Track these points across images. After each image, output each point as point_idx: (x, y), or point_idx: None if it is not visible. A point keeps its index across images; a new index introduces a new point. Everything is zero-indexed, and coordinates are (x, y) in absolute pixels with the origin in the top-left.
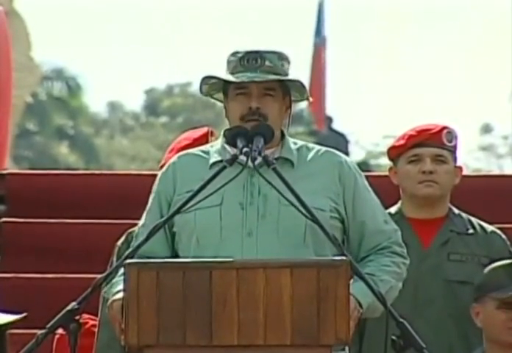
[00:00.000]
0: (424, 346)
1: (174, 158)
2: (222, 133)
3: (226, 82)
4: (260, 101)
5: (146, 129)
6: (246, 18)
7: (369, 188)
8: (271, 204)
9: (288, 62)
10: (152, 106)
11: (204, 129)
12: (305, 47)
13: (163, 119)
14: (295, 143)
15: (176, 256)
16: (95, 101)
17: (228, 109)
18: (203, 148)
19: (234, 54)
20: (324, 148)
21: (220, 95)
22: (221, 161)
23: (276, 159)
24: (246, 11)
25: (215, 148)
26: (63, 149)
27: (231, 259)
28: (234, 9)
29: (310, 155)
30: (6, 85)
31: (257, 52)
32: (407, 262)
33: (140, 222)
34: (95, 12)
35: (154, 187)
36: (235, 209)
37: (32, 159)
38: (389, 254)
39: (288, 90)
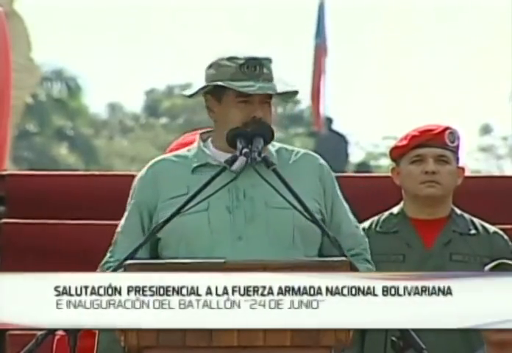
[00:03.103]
0: (423, 347)
1: (151, 164)
2: (199, 136)
3: (221, 87)
4: (262, 110)
5: (146, 130)
6: (246, 18)
7: (342, 194)
8: (258, 206)
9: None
10: (152, 107)
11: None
12: (306, 48)
13: (163, 120)
14: (273, 145)
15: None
16: (95, 102)
17: (222, 114)
18: (179, 152)
19: (231, 59)
20: (302, 150)
21: (199, 94)
22: (203, 165)
23: (232, 162)
24: (246, 11)
25: (193, 152)
26: (63, 150)
27: (232, 260)
28: (234, 9)
29: (290, 157)
30: (6, 86)
31: (256, 59)
32: (374, 269)
33: (119, 228)
34: (95, 13)
35: (133, 194)
36: (223, 214)
37: (31, 160)
38: (362, 261)
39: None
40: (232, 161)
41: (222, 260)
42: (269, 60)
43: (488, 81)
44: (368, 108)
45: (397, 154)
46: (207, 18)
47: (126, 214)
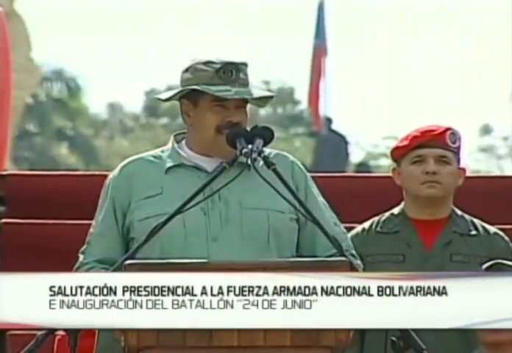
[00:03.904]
0: (423, 347)
1: (124, 163)
2: (172, 138)
3: (198, 91)
4: (238, 115)
5: (146, 130)
6: (246, 18)
7: (317, 191)
8: (233, 208)
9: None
10: (152, 107)
11: None
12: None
13: (163, 120)
14: None
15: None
16: (95, 102)
17: (197, 117)
18: (153, 153)
19: (207, 63)
20: (274, 151)
21: (175, 98)
22: (177, 165)
23: (232, 162)
24: (246, 12)
25: (167, 153)
26: (63, 150)
27: (234, 260)
28: (234, 9)
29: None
30: (6, 86)
31: (233, 64)
32: (361, 265)
33: (93, 229)
34: (95, 13)
35: (106, 195)
36: (198, 215)
37: (31, 160)
38: (350, 257)
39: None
40: (232, 161)
41: (224, 260)
42: (245, 65)
43: (488, 82)
44: (368, 108)
45: (398, 154)
46: (207, 17)
47: (99, 214)
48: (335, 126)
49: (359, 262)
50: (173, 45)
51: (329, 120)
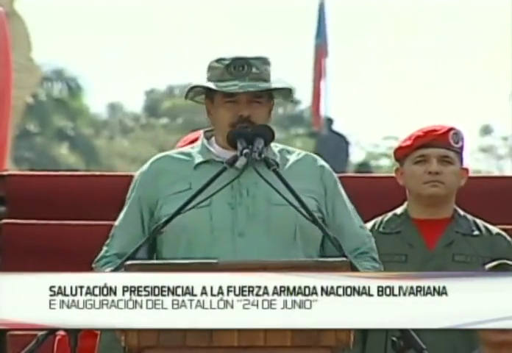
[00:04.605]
0: (424, 347)
1: (153, 159)
2: (202, 134)
3: (213, 90)
4: (249, 109)
5: (147, 130)
6: (247, 19)
7: (346, 195)
8: (260, 203)
9: (270, 65)
10: (152, 107)
11: (200, 132)
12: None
13: (164, 120)
14: (276, 146)
15: (156, 256)
16: (95, 102)
17: (215, 114)
18: (183, 150)
19: (219, 60)
20: (303, 152)
21: (201, 97)
22: (206, 161)
23: (233, 162)
24: (247, 12)
25: (197, 149)
26: (63, 150)
27: (236, 261)
28: (235, 9)
29: (291, 157)
30: (6, 86)
31: (243, 59)
32: (382, 268)
33: (117, 222)
34: (95, 13)
35: (134, 189)
36: (225, 210)
37: (32, 160)
38: (369, 259)
39: (272, 94)
40: (232, 161)
41: (226, 260)
42: (259, 59)
43: (488, 82)
44: (369, 108)
45: (401, 154)
46: (208, 18)
47: (125, 208)
48: (335, 127)
49: (377, 264)
50: (173, 46)
51: (329, 121)
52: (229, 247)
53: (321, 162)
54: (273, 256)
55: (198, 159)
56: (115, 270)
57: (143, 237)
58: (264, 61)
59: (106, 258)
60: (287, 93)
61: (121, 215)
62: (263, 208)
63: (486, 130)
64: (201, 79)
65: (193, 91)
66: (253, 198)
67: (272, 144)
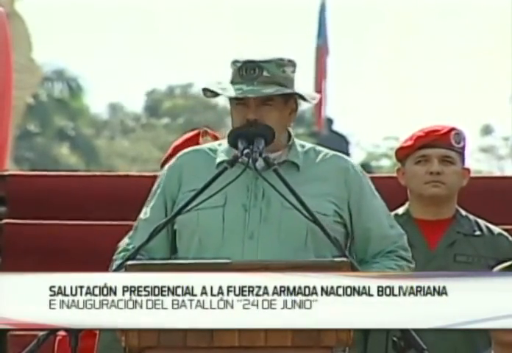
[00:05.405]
0: (424, 347)
1: (181, 154)
2: (228, 133)
3: None
4: (258, 112)
5: (147, 130)
6: (248, 19)
7: (375, 193)
8: (274, 207)
9: (293, 65)
10: (153, 107)
11: (197, 131)
12: (307, 48)
13: (164, 120)
14: (302, 146)
15: (176, 253)
16: (96, 103)
17: (231, 116)
18: (210, 145)
19: (234, 62)
20: (331, 152)
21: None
22: (227, 161)
23: (282, 162)
24: (248, 12)
25: (223, 147)
26: (64, 150)
27: (237, 261)
28: (236, 10)
29: (317, 158)
30: (7, 86)
31: (254, 62)
32: (413, 266)
33: (142, 215)
34: (95, 14)
35: (161, 181)
36: (238, 211)
37: (32, 160)
38: (394, 257)
39: (292, 95)
40: (232, 162)
41: (227, 261)
42: (274, 62)
43: (488, 82)
44: (369, 108)
45: (402, 154)
46: (208, 18)
47: (151, 200)
48: (335, 127)
49: (402, 262)
50: (173, 46)
51: (330, 121)
52: (237, 249)
53: (348, 163)
54: (282, 258)
55: (221, 157)
56: (117, 268)
57: (166, 231)
58: (278, 63)
59: (127, 251)
60: (301, 95)
61: (146, 208)
62: (276, 211)
63: (487, 130)
64: (201, 79)
65: (208, 91)
66: (267, 201)
67: (299, 143)
